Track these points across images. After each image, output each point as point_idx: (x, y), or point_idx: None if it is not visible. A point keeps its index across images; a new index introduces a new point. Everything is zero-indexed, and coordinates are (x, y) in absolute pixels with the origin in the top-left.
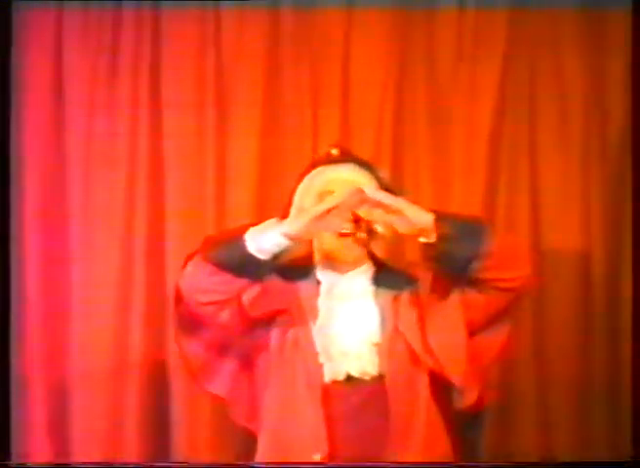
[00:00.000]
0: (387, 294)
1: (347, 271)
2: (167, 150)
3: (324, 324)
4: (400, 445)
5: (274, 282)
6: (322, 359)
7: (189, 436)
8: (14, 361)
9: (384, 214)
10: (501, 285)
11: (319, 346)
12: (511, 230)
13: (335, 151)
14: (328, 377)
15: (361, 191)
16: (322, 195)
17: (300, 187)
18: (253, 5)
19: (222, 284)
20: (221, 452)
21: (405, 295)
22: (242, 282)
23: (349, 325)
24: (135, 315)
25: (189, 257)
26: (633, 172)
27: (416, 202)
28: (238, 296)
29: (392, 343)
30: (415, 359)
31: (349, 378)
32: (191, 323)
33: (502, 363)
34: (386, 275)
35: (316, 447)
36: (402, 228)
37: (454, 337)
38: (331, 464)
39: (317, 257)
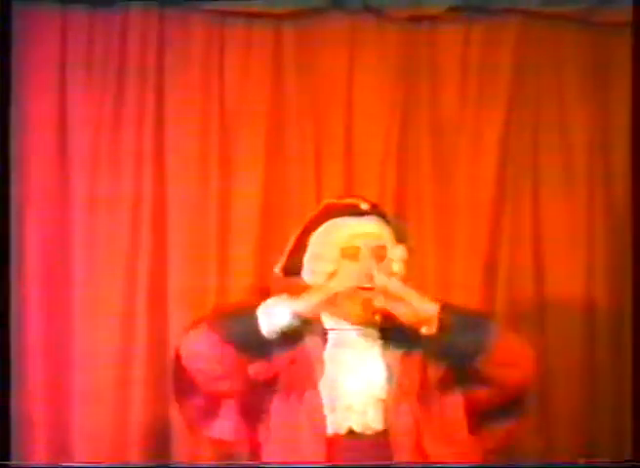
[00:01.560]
0: (396, 350)
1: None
2: (170, 206)
3: (330, 375)
4: None
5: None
6: (326, 411)
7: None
8: (14, 361)
9: (389, 301)
10: (504, 381)
11: (324, 398)
12: (515, 278)
13: (364, 206)
14: (331, 430)
15: (370, 276)
16: (345, 250)
17: (318, 236)
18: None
19: (226, 357)
20: None
21: (414, 355)
22: (246, 356)
23: (355, 378)
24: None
25: (195, 324)
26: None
27: (419, 251)
28: (243, 370)
29: (397, 401)
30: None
31: (351, 433)
32: (191, 383)
33: None
34: (396, 330)
35: None
36: (405, 317)
37: (452, 434)
38: (330, 464)
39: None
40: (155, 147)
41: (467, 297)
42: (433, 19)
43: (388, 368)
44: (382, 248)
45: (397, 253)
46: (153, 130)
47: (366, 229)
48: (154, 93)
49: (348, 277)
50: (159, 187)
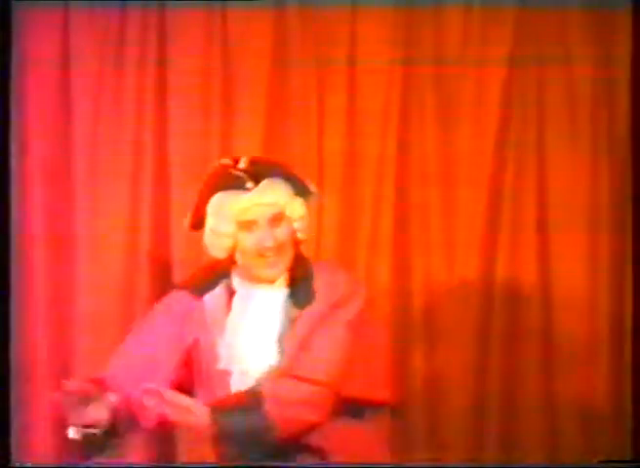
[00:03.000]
0: (293, 313)
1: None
2: (172, 153)
3: (230, 337)
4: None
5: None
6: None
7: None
8: (14, 361)
9: None
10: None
11: (223, 358)
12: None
13: (249, 185)
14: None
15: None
16: (241, 224)
17: (213, 208)
18: (259, 5)
19: None
20: None
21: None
22: None
23: (254, 342)
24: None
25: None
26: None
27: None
28: None
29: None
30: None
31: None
32: None
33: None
34: (298, 292)
35: None
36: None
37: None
38: (330, 464)
39: (236, 268)
40: (158, 94)
41: (469, 250)
42: None
43: (284, 331)
44: (279, 214)
45: (296, 211)
46: (155, 76)
47: (260, 200)
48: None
49: (248, 249)
50: (160, 140)
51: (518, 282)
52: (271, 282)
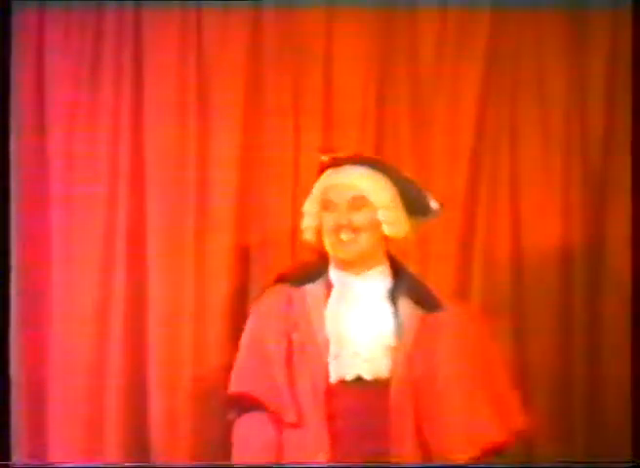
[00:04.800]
0: (407, 300)
1: (361, 273)
2: (148, 157)
3: (335, 326)
4: (399, 446)
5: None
6: (330, 359)
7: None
8: (14, 362)
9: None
10: None
11: (331, 347)
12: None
13: (325, 158)
14: (334, 377)
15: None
16: (322, 203)
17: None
18: (235, 6)
19: None
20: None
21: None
22: None
23: (363, 327)
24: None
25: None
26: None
27: None
28: None
29: (408, 348)
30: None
31: (358, 379)
32: None
33: None
34: (406, 281)
35: (319, 447)
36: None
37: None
38: (331, 464)
39: (331, 261)
40: (133, 104)
41: (445, 248)
42: None
43: (399, 316)
44: (359, 197)
45: (381, 200)
46: (130, 88)
47: (341, 180)
48: (131, 52)
49: (326, 227)
50: (137, 138)
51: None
52: (348, 264)
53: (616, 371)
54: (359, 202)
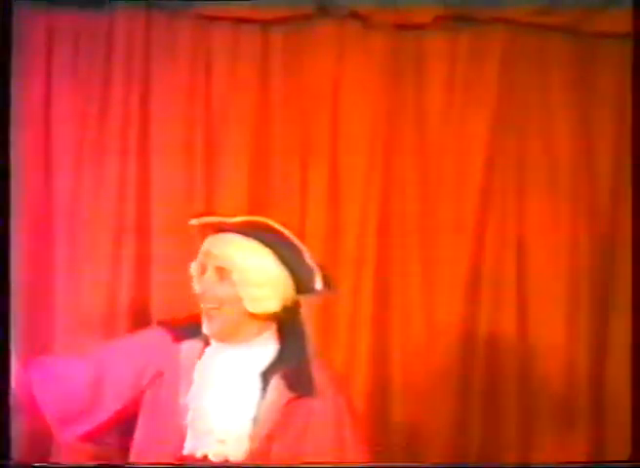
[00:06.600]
0: (279, 380)
1: (237, 343)
2: (154, 200)
3: (197, 393)
4: None
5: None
6: (188, 430)
7: None
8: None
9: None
10: None
11: (188, 416)
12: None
13: (194, 222)
14: (186, 450)
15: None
16: (201, 267)
17: None
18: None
19: None
20: None
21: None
22: None
23: (223, 404)
24: None
25: None
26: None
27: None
28: None
29: (265, 434)
30: None
31: (206, 459)
32: None
33: None
34: (286, 358)
35: None
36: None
37: None
38: (331, 464)
39: None
40: (140, 144)
41: (452, 298)
42: (420, 27)
43: (263, 396)
44: (223, 270)
45: (246, 275)
46: (138, 129)
47: (212, 248)
48: (139, 95)
49: (198, 295)
50: (143, 181)
51: (498, 335)
52: (212, 336)
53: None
54: (221, 273)
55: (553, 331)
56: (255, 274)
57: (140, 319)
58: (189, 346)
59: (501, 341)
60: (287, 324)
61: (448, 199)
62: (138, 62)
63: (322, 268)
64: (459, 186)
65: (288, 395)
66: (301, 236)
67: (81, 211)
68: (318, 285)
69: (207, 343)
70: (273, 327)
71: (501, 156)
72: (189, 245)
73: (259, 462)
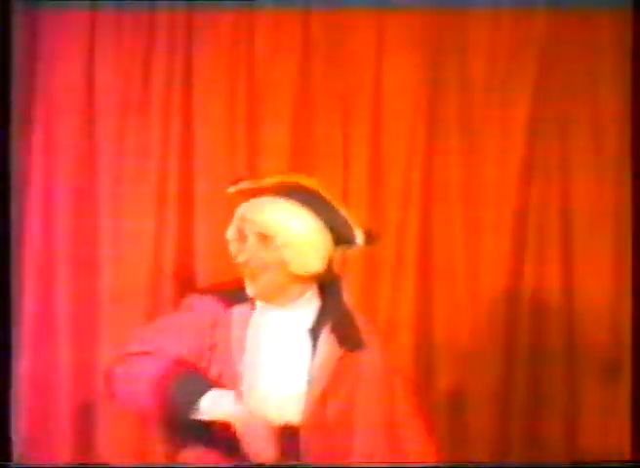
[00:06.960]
0: (329, 336)
1: (281, 304)
2: (197, 165)
3: (250, 359)
4: None
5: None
6: (244, 396)
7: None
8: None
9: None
10: None
11: (244, 382)
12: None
13: (231, 190)
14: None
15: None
16: (239, 233)
17: None
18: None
19: None
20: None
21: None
22: None
23: (275, 367)
24: None
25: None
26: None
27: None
28: None
29: (320, 393)
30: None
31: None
32: None
33: None
34: (332, 315)
35: None
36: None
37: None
38: (331, 464)
39: None
40: (183, 110)
41: (495, 267)
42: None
43: (314, 356)
44: (264, 235)
45: (288, 238)
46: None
47: (250, 214)
48: (183, 63)
49: (239, 262)
50: (186, 144)
51: (543, 297)
52: (257, 297)
53: None
54: (264, 239)
55: (599, 289)
56: (298, 236)
57: (186, 286)
58: (239, 311)
59: (546, 299)
60: (326, 280)
61: (491, 165)
62: (181, 32)
63: (362, 224)
64: (502, 153)
65: (339, 349)
66: (345, 201)
67: (124, 178)
68: (359, 238)
69: (253, 306)
70: (314, 285)
71: (544, 122)
72: (231, 210)
73: (314, 422)
